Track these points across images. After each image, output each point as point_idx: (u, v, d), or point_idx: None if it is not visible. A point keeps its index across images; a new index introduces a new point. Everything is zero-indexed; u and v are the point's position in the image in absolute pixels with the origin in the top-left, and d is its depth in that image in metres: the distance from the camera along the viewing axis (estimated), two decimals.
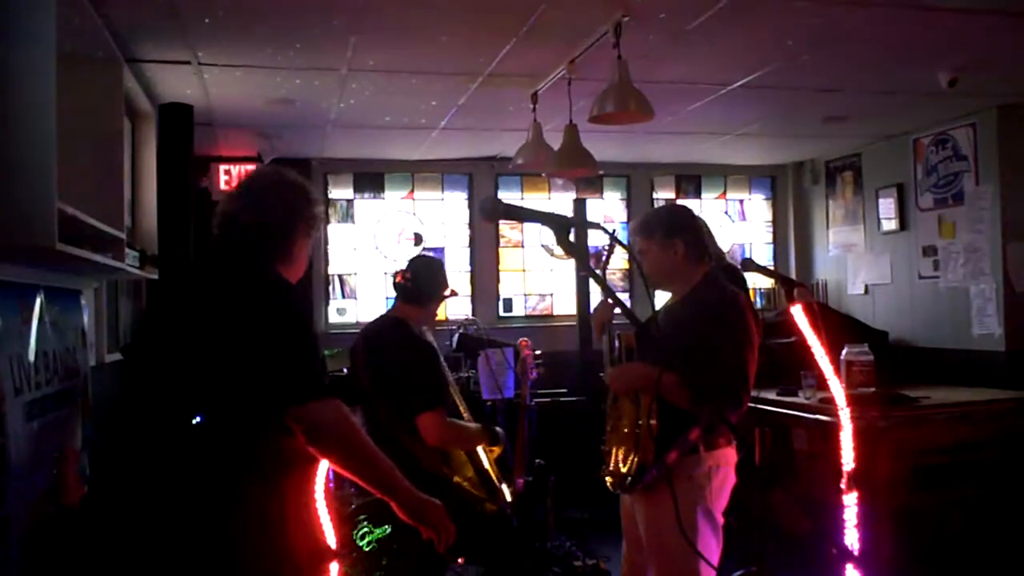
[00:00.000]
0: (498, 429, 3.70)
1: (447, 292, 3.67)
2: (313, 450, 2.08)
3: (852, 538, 3.73)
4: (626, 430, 3.02)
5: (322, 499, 2.16)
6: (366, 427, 3.60)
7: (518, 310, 7.28)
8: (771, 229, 7.83)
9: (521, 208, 2.05)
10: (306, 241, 2.40)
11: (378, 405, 3.45)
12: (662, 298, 3.32)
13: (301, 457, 2.10)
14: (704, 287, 3.12)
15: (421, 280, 3.55)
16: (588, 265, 2.91)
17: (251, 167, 6.19)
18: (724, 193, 7.73)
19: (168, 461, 2.21)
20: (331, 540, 2.19)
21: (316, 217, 2.41)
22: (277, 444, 2.09)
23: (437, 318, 4.11)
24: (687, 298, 3.14)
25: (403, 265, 3.66)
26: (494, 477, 3.69)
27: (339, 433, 2.10)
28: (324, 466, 2.18)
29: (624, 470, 3.00)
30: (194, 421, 2.17)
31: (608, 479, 3.11)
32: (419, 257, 3.74)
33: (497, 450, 3.71)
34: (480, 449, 3.64)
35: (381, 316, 3.73)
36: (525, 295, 7.33)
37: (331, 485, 4.61)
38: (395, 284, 3.61)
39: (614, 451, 3.08)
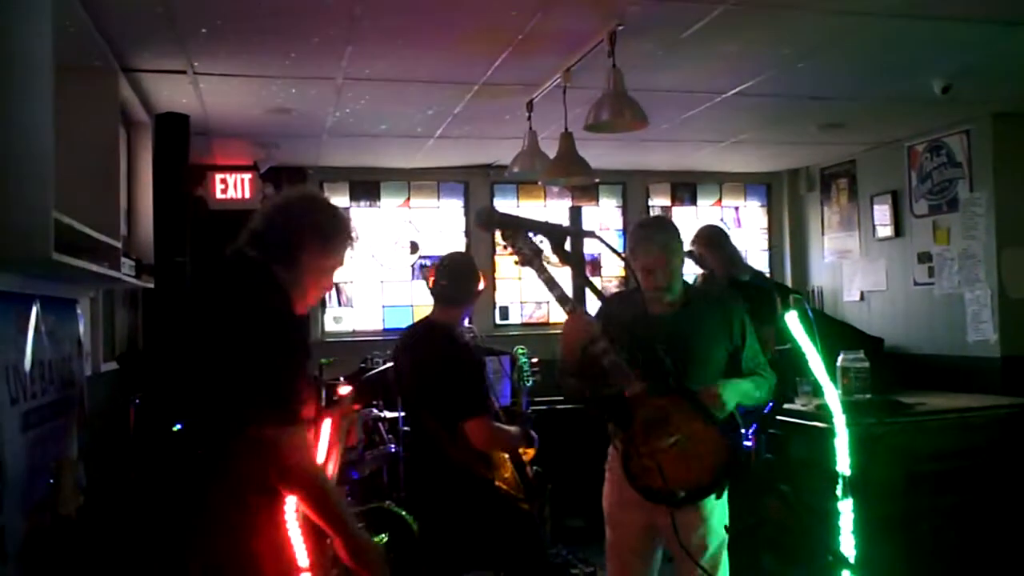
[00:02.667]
0: (533, 433, 3.75)
1: (481, 287, 3.70)
2: (271, 475, 2.04)
3: (848, 545, 3.73)
4: (680, 443, 2.97)
5: (293, 515, 2.09)
6: (408, 429, 3.69)
7: (514, 318, 7.28)
8: (767, 236, 7.85)
9: (517, 217, 2.06)
10: (320, 252, 2.32)
11: (421, 409, 3.47)
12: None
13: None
14: (699, 296, 3.19)
15: (457, 282, 3.57)
16: (584, 274, 2.92)
17: (247, 176, 6.20)
18: (720, 200, 7.75)
19: (151, 467, 2.23)
20: (302, 558, 2.11)
21: (329, 227, 2.35)
22: (248, 456, 2.05)
23: None
24: (689, 306, 3.21)
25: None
26: (530, 476, 3.74)
27: (296, 464, 2.04)
28: None
29: (685, 484, 2.97)
30: (175, 428, 2.20)
31: (660, 493, 3.00)
32: (449, 257, 3.74)
33: (531, 452, 3.76)
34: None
35: (424, 321, 3.71)
36: (521, 303, 7.33)
37: None
38: (431, 289, 3.62)
39: (668, 465, 2.97)
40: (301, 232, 2.29)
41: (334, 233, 2.35)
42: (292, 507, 2.08)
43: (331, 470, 2.46)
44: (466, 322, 6.73)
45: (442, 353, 3.45)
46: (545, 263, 2.51)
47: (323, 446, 2.37)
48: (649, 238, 3.11)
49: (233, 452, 2.07)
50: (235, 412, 2.05)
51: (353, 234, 2.42)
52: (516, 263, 2.71)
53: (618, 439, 3.11)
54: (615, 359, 2.87)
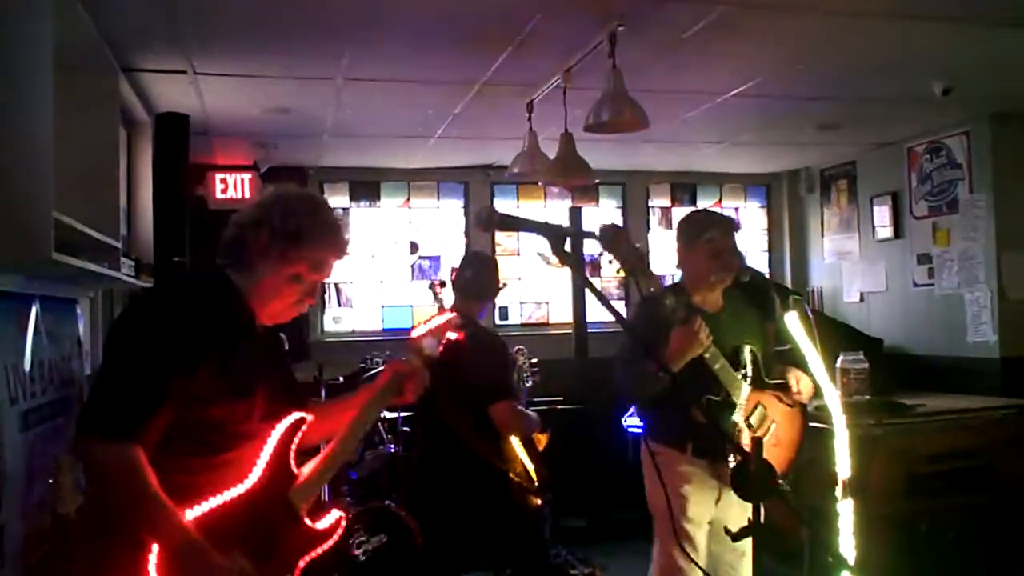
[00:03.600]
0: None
1: (502, 284, 3.78)
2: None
3: (847, 546, 3.73)
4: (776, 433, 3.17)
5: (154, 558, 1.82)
6: (422, 423, 3.68)
7: (514, 318, 7.27)
8: (766, 237, 7.85)
9: (517, 218, 2.06)
10: (272, 257, 2.07)
11: (443, 400, 3.48)
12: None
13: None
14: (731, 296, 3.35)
15: (482, 276, 3.64)
16: (584, 274, 2.92)
17: (247, 176, 6.20)
18: (719, 201, 7.75)
19: None
20: None
21: (289, 231, 2.06)
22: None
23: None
24: (727, 306, 3.32)
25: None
26: (543, 469, 3.77)
27: (110, 484, 1.85)
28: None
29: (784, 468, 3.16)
30: None
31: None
32: (473, 253, 3.86)
33: (544, 439, 3.81)
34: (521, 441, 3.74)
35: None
36: (521, 303, 7.33)
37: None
38: (454, 283, 3.73)
39: (769, 456, 3.09)
40: (256, 234, 2.07)
41: (294, 239, 2.06)
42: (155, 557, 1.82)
43: (304, 476, 2.14)
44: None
45: (469, 338, 3.48)
46: (548, 262, 2.51)
47: (263, 460, 2.04)
48: (727, 226, 3.27)
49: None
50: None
51: (329, 242, 2.12)
52: (619, 271, 2.72)
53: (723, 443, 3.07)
54: (725, 364, 3.03)
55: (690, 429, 3.10)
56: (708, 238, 3.21)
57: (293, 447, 2.12)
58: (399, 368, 2.35)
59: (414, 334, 2.42)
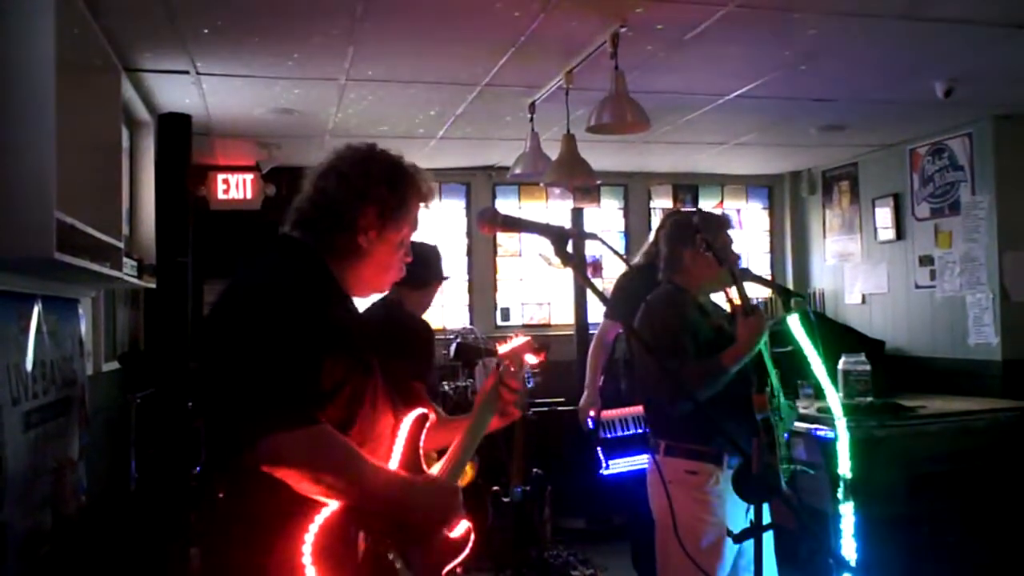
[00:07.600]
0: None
1: (444, 275, 3.67)
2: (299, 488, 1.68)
3: (849, 548, 3.73)
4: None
5: (311, 559, 1.66)
6: None
7: (516, 319, 7.26)
8: (768, 239, 7.85)
9: (519, 219, 2.06)
10: (381, 231, 1.95)
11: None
12: None
13: (288, 512, 1.68)
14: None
15: (416, 261, 3.56)
16: (585, 275, 2.90)
17: (249, 176, 6.20)
18: (721, 202, 7.74)
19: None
20: None
21: (391, 200, 1.95)
22: (263, 497, 1.69)
23: (435, 328, 4.12)
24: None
25: None
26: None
27: (314, 470, 1.66)
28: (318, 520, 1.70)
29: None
30: (195, 471, 1.99)
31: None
32: (413, 242, 3.75)
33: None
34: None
35: (381, 299, 3.74)
36: (523, 304, 7.33)
37: None
38: None
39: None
40: (362, 213, 1.92)
41: (397, 205, 1.96)
42: (310, 554, 1.66)
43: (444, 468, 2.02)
44: (467, 323, 6.77)
45: (384, 324, 3.40)
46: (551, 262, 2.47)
47: (397, 449, 1.93)
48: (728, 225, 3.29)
49: (251, 490, 1.70)
50: (231, 434, 1.71)
51: (422, 195, 2.04)
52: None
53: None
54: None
55: (723, 434, 2.73)
56: (729, 246, 3.20)
57: (422, 445, 1.98)
58: (497, 380, 2.25)
59: (500, 351, 2.35)
